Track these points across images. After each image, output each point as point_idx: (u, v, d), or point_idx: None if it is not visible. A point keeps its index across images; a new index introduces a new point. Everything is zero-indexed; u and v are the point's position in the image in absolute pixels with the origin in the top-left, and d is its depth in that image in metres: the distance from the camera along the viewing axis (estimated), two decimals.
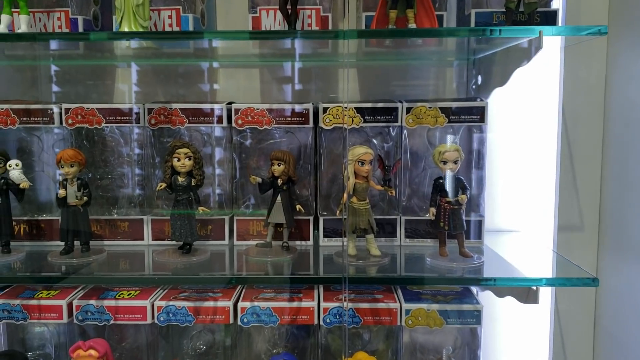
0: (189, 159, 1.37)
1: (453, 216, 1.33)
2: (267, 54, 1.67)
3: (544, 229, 1.61)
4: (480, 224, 1.50)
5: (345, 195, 1.35)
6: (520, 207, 1.66)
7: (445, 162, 1.31)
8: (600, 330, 1.53)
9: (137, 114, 1.50)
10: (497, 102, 1.55)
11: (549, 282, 1.25)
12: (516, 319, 1.64)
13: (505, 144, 1.64)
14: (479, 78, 1.62)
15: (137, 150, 1.56)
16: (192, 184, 1.38)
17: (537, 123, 1.60)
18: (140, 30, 1.28)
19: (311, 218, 1.52)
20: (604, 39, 1.43)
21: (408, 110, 1.45)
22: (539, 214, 1.63)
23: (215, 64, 1.69)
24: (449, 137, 1.49)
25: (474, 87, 1.63)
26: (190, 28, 1.40)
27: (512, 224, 1.67)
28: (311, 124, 1.49)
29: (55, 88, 1.69)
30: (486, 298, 1.48)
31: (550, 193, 1.56)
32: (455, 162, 1.31)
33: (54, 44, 1.53)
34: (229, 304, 1.40)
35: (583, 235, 1.51)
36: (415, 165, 1.54)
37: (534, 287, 1.25)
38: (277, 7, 1.31)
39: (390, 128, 1.51)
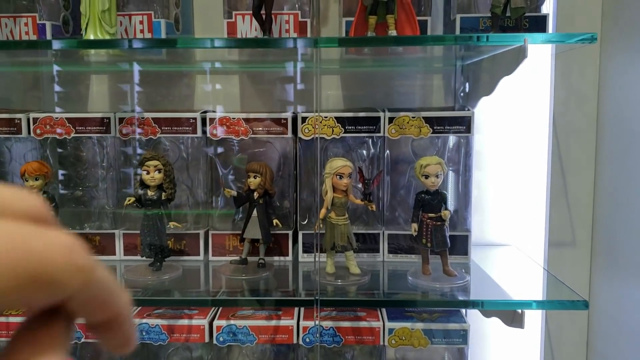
0: (159, 172, 1.30)
1: (436, 233, 1.26)
2: (247, 60, 1.60)
3: (534, 243, 1.54)
4: (466, 239, 1.43)
5: (323, 210, 1.29)
6: (510, 220, 1.59)
7: (427, 176, 1.24)
8: (593, 352, 1.46)
9: (108, 123, 1.43)
10: (486, 111, 1.49)
11: (539, 305, 1.19)
12: (506, 339, 1.57)
13: (494, 154, 1.57)
14: (467, 86, 1.55)
15: (109, 162, 1.50)
16: (162, 197, 1.31)
17: (527, 133, 1.53)
18: (107, 37, 1.22)
19: (290, 232, 1.46)
20: (597, 45, 1.36)
21: (390, 120, 1.38)
22: (529, 227, 1.56)
23: (192, 70, 1.62)
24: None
25: (462, 94, 1.57)
26: (163, 34, 1.33)
27: (501, 237, 1.60)
28: (290, 134, 1.42)
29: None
30: (475, 316, 1.41)
31: (540, 206, 1.49)
32: (437, 176, 1.24)
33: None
34: (205, 322, 1.35)
35: (575, 251, 1.44)
36: (400, 177, 1.47)
37: (519, 311, 1.18)
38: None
39: (373, 138, 1.44)
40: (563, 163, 1.41)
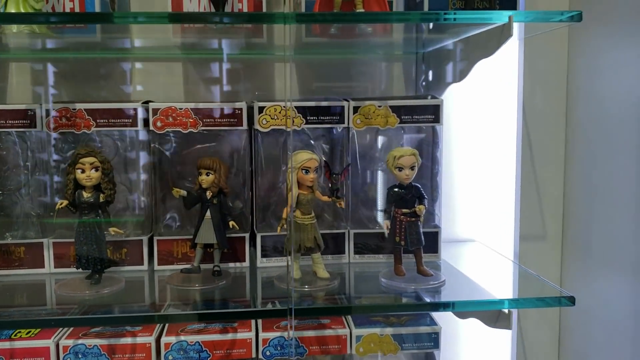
0: (96, 170, 1.13)
1: (410, 230, 1.16)
2: (191, 46, 1.44)
3: (501, 238, 1.47)
4: (435, 236, 1.35)
5: (288, 208, 1.16)
6: (475, 215, 1.52)
7: (400, 169, 1.14)
8: (565, 348, 1.42)
9: (33, 116, 1.24)
10: (451, 100, 1.41)
11: (519, 303, 1.11)
12: (478, 339, 1.50)
13: (459, 146, 1.50)
14: (430, 74, 1.47)
15: (34, 161, 1.31)
16: (101, 199, 1.14)
17: (496, 123, 1.46)
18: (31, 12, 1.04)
19: (247, 235, 1.32)
20: (564, 29, 1.31)
21: (355, 109, 1.28)
22: (495, 221, 1.49)
23: (130, 58, 1.45)
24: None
25: (423, 84, 1.48)
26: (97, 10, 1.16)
27: (465, 232, 1.53)
28: (245, 126, 1.29)
29: None
30: (447, 316, 1.33)
31: (509, 199, 1.43)
32: (412, 168, 1.15)
33: None
34: (151, 339, 1.20)
35: (546, 245, 1.39)
36: (363, 171, 1.37)
37: (506, 310, 1.10)
38: None
39: (336, 129, 1.33)
40: (533, 153, 1.35)
